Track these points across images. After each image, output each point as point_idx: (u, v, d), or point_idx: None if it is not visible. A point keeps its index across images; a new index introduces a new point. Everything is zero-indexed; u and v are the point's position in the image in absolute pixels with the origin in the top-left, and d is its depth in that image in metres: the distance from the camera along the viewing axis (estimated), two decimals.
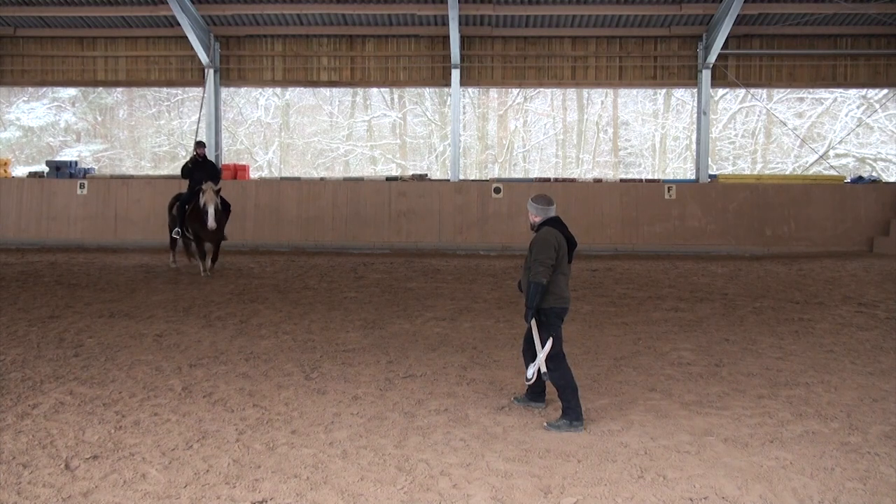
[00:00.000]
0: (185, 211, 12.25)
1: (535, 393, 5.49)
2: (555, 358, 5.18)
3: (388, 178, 18.31)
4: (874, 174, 24.16)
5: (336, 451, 4.64)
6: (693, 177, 18.12)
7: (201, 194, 11.65)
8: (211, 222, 11.36)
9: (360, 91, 27.56)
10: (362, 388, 6.00)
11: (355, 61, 18.09)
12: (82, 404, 5.51)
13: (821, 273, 13.04)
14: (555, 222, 5.32)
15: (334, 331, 8.15)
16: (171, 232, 12.91)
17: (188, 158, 12.80)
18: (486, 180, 18.39)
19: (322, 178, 18.76)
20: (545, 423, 5.10)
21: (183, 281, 11.71)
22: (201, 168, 12.32)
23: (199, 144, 12.63)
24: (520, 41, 17.79)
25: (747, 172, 26.66)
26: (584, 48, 17.77)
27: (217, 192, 11.65)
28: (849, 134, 26.26)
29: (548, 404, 5.54)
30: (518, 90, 26.22)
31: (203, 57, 17.67)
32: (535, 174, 26.90)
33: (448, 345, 7.52)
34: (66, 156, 27.05)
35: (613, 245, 16.88)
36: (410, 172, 25.52)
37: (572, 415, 5.04)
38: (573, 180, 18.22)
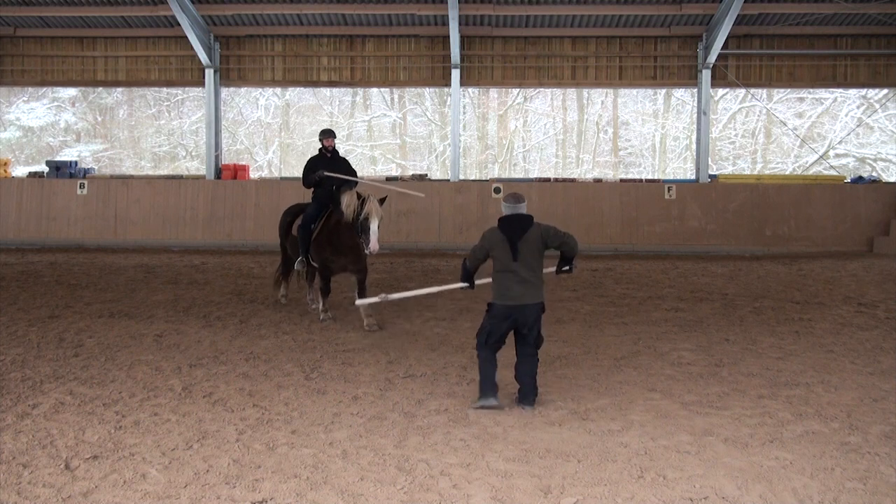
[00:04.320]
0: (310, 231, 8.69)
1: (524, 395, 5.52)
2: (482, 342, 5.53)
3: (388, 179, 18.30)
4: (874, 174, 24.15)
5: (336, 451, 4.64)
6: (693, 177, 18.12)
7: (358, 203, 7.99)
8: (374, 244, 7.86)
9: (360, 91, 27.55)
10: (362, 388, 6.00)
11: (355, 61, 18.09)
12: (82, 404, 5.51)
13: (821, 273, 13.04)
14: (504, 220, 5.52)
15: (334, 331, 8.15)
16: (286, 260, 9.55)
17: (314, 154, 9.16)
18: (486, 180, 18.39)
19: None
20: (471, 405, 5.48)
21: (183, 281, 11.71)
22: (332, 168, 8.82)
23: (328, 133, 9.06)
24: (520, 41, 17.79)
25: (747, 172, 26.66)
26: (584, 48, 17.77)
27: (382, 202, 8.07)
28: (849, 134, 26.26)
29: (543, 404, 5.54)
30: (518, 90, 26.21)
31: (203, 57, 17.67)
32: (535, 174, 26.88)
33: (448, 345, 7.52)
34: (66, 156, 27.04)
35: (613, 245, 16.88)
36: (410, 172, 25.51)
37: (479, 392, 5.48)
38: (573, 180, 18.22)
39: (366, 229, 7.89)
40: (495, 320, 5.49)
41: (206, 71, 17.98)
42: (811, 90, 24.99)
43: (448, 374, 6.44)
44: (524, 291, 5.41)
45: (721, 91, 25.47)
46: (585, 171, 28.03)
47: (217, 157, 18.29)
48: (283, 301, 9.70)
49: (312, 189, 8.93)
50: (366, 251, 7.98)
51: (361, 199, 7.95)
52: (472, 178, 24.71)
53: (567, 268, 5.75)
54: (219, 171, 18.16)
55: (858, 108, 26.36)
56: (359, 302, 7.16)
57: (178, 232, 17.44)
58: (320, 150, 9.01)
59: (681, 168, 27.59)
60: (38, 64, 18.70)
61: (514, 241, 5.42)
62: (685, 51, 17.63)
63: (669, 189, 17.14)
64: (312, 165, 8.88)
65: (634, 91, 26.72)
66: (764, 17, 16.90)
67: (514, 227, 5.46)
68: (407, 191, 9.93)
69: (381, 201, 8.04)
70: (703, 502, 3.98)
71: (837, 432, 5.02)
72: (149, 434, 4.91)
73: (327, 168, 8.73)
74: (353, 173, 8.95)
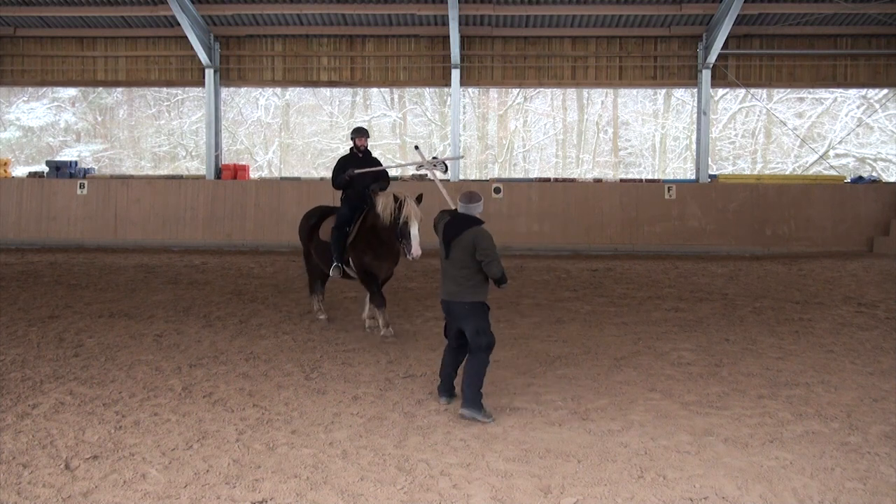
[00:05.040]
0: (346, 235, 8.10)
1: (462, 399, 5.35)
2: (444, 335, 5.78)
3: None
4: (874, 174, 24.14)
5: (336, 451, 4.64)
6: (693, 177, 18.12)
7: (395, 206, 7.43)
8: (416, 249, 7.30)
9: (360, 91, 27.55)
10: (362, 388, 6.01)
11: (355, 61, 18.09)
12: (82, 404, 5.52)
13: (821, 273, 13.04)
14: (453, 217, 5.65)
15: (334, 331, 8.16)
16: (312, 270, 8.83)
17: (344, 154, 8.57)
18: (486, 180, 18.39)
19: (322, 178, 18.75)
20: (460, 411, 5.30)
21: (183, 281, 11.71)
22: (365, 167, 8.27)
23: (360, 132, 8.49)
24: (520, 41, 17.79)
25: (747, 172, 26.65)
26: (584, 48, 17.77)
27: (419, 201, 7.57)
28: (849, 134, 26.26)
29: (543, 404, 5.54)
30: (518, 90, 26.20)
31: (203, 57, 17.67)
32: (535, 174, 26.88)
33: None
34: (66, 156, 27.04)
35: (613, 245, 16.88)
36: (410, 172, 25.48)
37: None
38: (573, 180, 18.21)
39: (405, 234, 7.35)
40: (444, 313, 5.70)
41: (206, 71, 17.98)
42: (811, 90, 24.98)
43: None
44: (453, 289, 5.48)
45: (721, 91, 25.46)
46: (585, 171, 28.03)
47: (217, 157, 18.29)
48: (321, 318, 8.62)
49: (342, 191, 8.36)
50: (408, 256, 7.41)
51: (398, 202, 7.41)
52: (472, 178, 24.70)
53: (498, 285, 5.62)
54: (219, 171, 18.16)
55: (858, 108, 26.36)
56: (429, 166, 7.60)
57: (178, 232, 17.44)
58: (351, 149, 8.43)
59: (681, 168, 27.58)
60: (38, 64, 18.69)
61: (448, 240, 5.54)
62: (685, 51, 17.63)
63: (669, 189, 17.14)
64: (343, 165, 8.30)
65: (634, 91, 26.72)
66: (764, 17, 16.90)
67: (453, 227, 5.56)
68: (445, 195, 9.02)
69: (418, 200, 7.53)
70: (703, 502, 3.98)
71: (837, 432, 5.02)
72: (149, 434, 4.91)
73: (360, 167, 8.17)
74: (385, 175, 8.45)
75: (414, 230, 7.33)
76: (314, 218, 8.75)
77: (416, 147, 8.66)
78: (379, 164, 8.48)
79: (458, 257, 5.45)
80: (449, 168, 7.48)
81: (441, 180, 7.67)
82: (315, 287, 8.83)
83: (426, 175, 18.68)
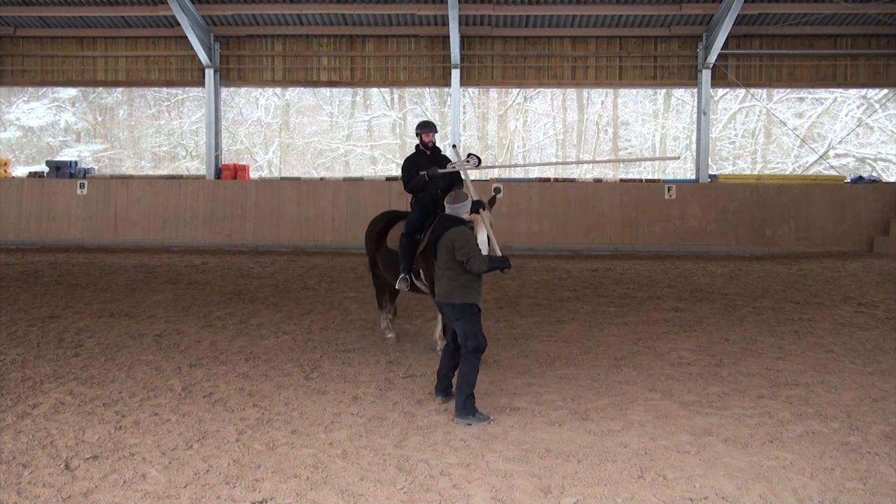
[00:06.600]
0: (416, 243, 7.13)
1: (455, 405, 5.33)
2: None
3: (388, 178, 18.30)
4: (874, 174, 24.13)
5: (336, 451, 4.64)
6: (693, 177, 18.12)
7: (460, 215, 5.96)
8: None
9: (360, 91, 27.55)
10: (362, 388, 6.01)
11: (355, 61, 18.09)
12: (82, 404, 5.52)
13: (821, 273, 13.03)
14: (440, 216, 5.79)
15: (334, 331, 8.16)
16: (379, 283, 7.80)
17: (410, 154, 7.56)
18: (486, 180, 18.38)
19: (322, 178, 18.77)
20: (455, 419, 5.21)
21: (183, 281, 11.71)
22: (436, 166, 7.24)
23: (427, 126, 7.47)
24: (520, 41, 17.79)
25: (747, 172, 26.65)
26: (584, 48, 17.77)
27: (491, 204, 6.78)
28: (849, 134, 26.25)
29: (543, 404, 5.53)
30: (518, 90, 26.20)
31: (203, 57, 17.67)
32: (535, 174, 26.86)
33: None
34: (66, 156, 27.03)
35: (613, 245, 16.88)
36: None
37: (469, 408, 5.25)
38: (573, 180, 18.21)
39: None
40: (440, 314, 5.74)
41: (206, 71, 17.99)
42: (811, 90, 24.97)
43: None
44: (444, 290, 5.48)
45: (721, 91, 25.45)
46: (585, 171, 28.01)
47: (217, 157, 18.29)
48: (389, 336, 7.67)
49: (412, 195, 7.41)
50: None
51: (474, 208, 6.38)
52: (472, 178, 24.69)
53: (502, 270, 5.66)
54: (219, 171, 18.17)
55: (858, 108, 26.34)
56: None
57: (178, 232, 17.44)
58: (418, 146, 7.49)
59: (681, 168, 27.57)
60: (38, 64, 18.69)
61: (434, 241, 5.60)
62: (685, 51, 17.63)
63: (669, 189, 17.15)
64: (414, 165, 7.34)
65: (634, 91, 26.71)
66: (764, 17, 16.90)
67: (437, 229, 5.63)
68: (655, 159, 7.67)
69: (490, 203, 6.71)
70: (703, 502, 3.98)
71: (837, 432, 5.02)
72: (149, 434, 4.91)
73: (429, 168, 7.22)
74: (459, 177, 7.45)
75: (481, 236, 6.28)
76: (381, 224, 7.78)
77: (454, 146, 8.34)
78: (449, 160, 7.50)
79: (443, 259, 5.47)
80: (482, 161, 6.85)
81: (473, 179, 7.29)
82: (383, 302, 7.78)
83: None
